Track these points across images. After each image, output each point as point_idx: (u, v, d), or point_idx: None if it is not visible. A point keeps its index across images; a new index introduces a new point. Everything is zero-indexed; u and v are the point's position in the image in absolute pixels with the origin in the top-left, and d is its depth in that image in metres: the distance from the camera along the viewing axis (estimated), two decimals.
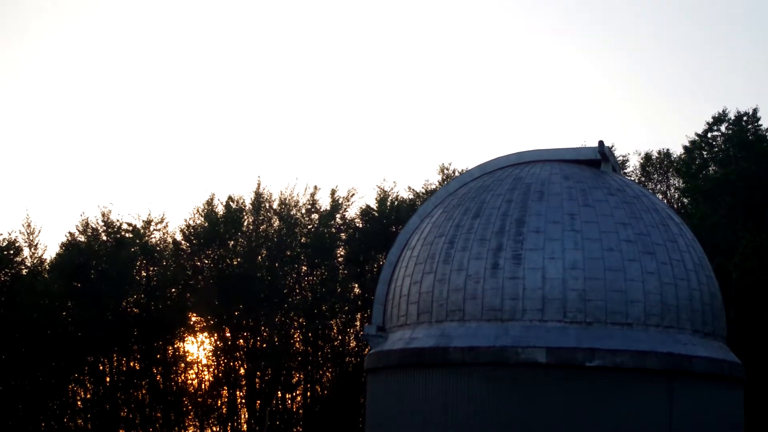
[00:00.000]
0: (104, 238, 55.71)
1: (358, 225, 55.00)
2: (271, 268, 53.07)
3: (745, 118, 48.40)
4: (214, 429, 54.39)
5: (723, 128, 49.16)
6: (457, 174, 51.93)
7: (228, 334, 53.43)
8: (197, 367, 55.36)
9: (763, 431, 40.32)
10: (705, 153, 49.72)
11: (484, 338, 25.34)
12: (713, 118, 49.34)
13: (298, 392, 54.80)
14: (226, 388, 54.44)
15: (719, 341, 27.33)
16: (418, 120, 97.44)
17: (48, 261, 56.63)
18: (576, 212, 26.61)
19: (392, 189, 55.58)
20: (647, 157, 53.96)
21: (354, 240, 54.02)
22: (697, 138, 49.86)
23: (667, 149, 53.68)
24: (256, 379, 53.44)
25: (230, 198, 55.32)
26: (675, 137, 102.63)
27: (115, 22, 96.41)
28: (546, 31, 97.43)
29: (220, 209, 55.27)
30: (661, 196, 50.99)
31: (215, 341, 53.83)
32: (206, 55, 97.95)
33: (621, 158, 52.19)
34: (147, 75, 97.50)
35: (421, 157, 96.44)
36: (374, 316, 29.49)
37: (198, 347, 55.23)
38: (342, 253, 54.75)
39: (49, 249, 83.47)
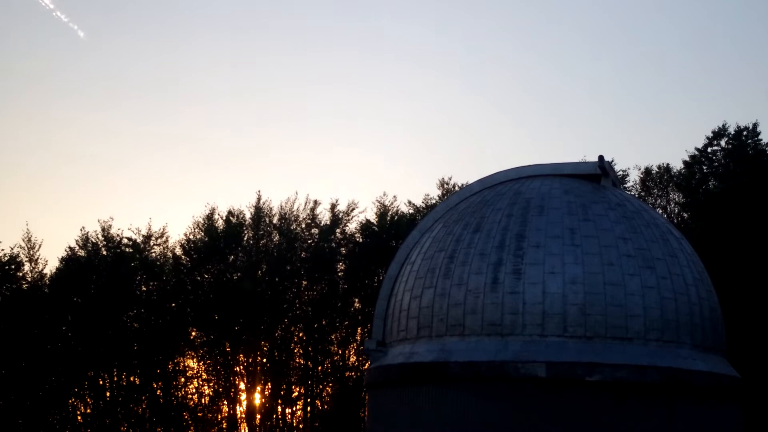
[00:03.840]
0: (104, 252, 55.76)
1: (358, 239, 55.00)
2: (271, 283, 53.07)
3: (744, 133, 48.40)
4: None
5: (723, 143, 49.18)
6: (457, 189, 51.98)
7: (228, 349, 53.39)
8: (197, 381, 55.33)
9: None
10: (705, 168, 49.72)
11: (484, 353, 25.32)
12: (713, 132, 49.36)
13: (298, 407, 54.75)
14: (225, 402, 54.40)
15: (719, 355, 27.32)
16: (418, 134, 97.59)
17: (48, 275, 56.69)
18: (576, 227, 26.63)
19: (392, 204, 55.68)
20: (647, 171, 53.99)
21: (354, 254, 54.01)
22: (697, 153, 49.86)
23: (667, 164, 53.71)
24: (256, 394, 53.41)
25: (230, 212, 55.45)
26: (675, 152, 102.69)
27: (117, 32, 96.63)
28: (546, 45, 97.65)
29: (220, 224, 55.36)
30: (661, 211, 50.98)
31: (215, 356, 53.79)
32: (206, 68, 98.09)
33: (621, 173, 52.19)
34: (147, 87, 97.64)
35: (421, 172, 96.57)
36: (374, 330, 29.49)
37: (198, 362, 55.23)
38: (342, 267, 54.74)
39: (50, 263, 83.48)
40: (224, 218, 55.39)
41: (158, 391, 54.65)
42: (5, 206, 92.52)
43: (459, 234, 27.81)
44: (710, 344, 26.78)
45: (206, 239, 54.63)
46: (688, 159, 50.31)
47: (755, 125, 48.48)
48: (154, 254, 56.29)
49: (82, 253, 55.97)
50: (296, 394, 54.29)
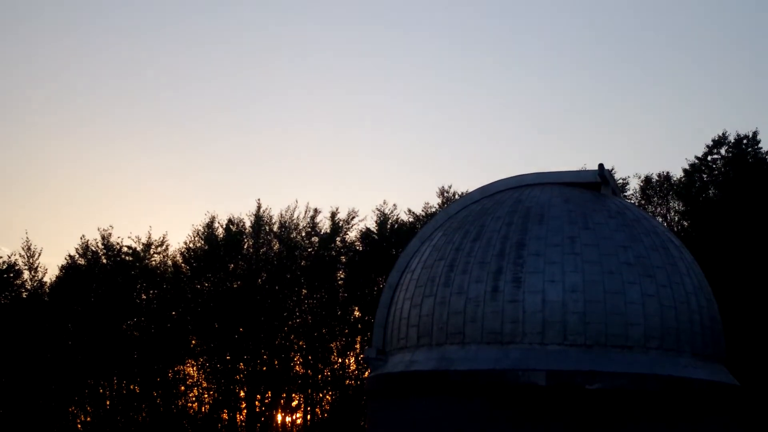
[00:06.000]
0: (104, 260, 55.76)
1: (358, 248, 55.00)
2: (271, 291, 53.05)
3: (744, 141, 48.43)
4: None
5: (723, 151, 49.19)
6: (457, 197, 52.01)
7: (228, 357, 53.35)
8: (197, 389, 55.28)
9: None
10: (705, 176, 49.74)
11: (484, 361, 25.28)
12: (713, 141, 49.39)
13: (298, 415, 54.70)
14: (225, 411, 54.33)
15: (719, 364, 27.29)
16: (418, 143, 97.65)
17: (48, 284, 56.68)
18: (576, 235, 26.59)
19: (392, 212, 55.74)
20: (647, 180, 54.00)
21: (354, 263, 54.01)
22: (696, 161, 49.88)
23: (667, 172, 53.73)
24: (256, 402, 53.34)
25: (230, 221, 55.48)
26: (675, 160, 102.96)
27: (117, 38, 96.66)
28: (546, 53, 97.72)
29: (220, 232, 55.39)
30: (661, 219, 50.99)
31: (215, 364, 53.74)
32: (207, 77, 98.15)
33: (621, 181, 52.22)
34: (147, 97, 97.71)
35: (421, 180, 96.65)
36: (374, 338, 29.46)
37: (198, 370, 55.19)
38: (342, 276, 54.74)
39: (49, 272, 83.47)
40: (224, 226, 55.45)
41: (158, 400, 54.60)
42: (4, 213, 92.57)
43: (459, 242, 27.79)
44: (710, 353, 26.75)
45: (206, 247, 54.66)
46: (688, 167, 50.34)
47: (755, 133, 48.57)
48: (154, 262, 56.32)
49: (81, 261, 55.99)
50: (296, 402, 54.28)
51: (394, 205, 56.51)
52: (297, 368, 54.28)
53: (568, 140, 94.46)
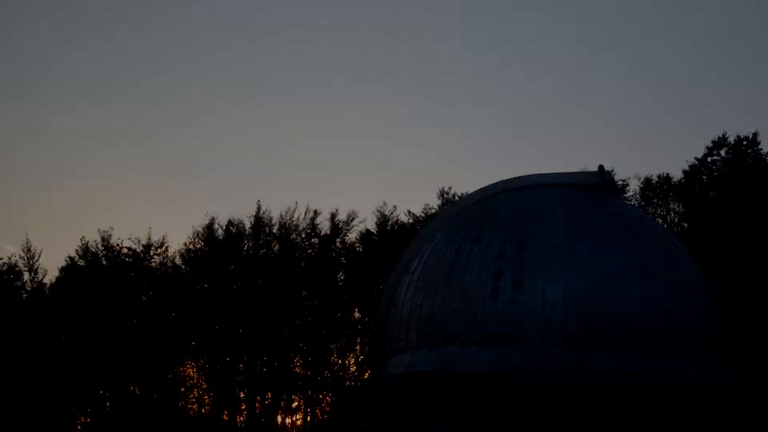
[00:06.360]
0: (104, 262, 55.71)
1: (358, 249, 54.94)
2: (271, 292, 53.00)
3: (744, 143, 48.37)
4: None
5: (723, 153, 49.13)
6: (457, 198, 51.94)
7: (228, 359, 53.30)
8: (197, 391, 55.23)
9: None
10: (705, 177, 49.67)
11: (484, 362, 25.28)
12: (713, 142, 49.30)
13: (298, 416, 54.66)
14: (225, 412, 54.28)
15: (720, 364, 27.28)
16: (418, 144, 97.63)
17: (48, 285, 56.63)
18: (576, 236, 26.58)
19: (392, 213, 55.63)
20: (647, 181, 53.90)
21: (354, 264, 53.93)
22: (696, 162, 49.83)
23: (667, 173, 53.57)
24: (256, 404, 53.29)
25: (230, 222, 55.42)
26: (675, 162, 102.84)
27: (117, 39, 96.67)
28: (546, 54, 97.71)
29: (220, 233, 55.34)
30: (660, 221, 50.93)
31: (215, 365, 53.68)
32: (207, 75, 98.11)
33: (621, 183, 52.11)
34: (147, 97, 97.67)
35: (421, 182, 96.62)
36: (374, 339, 29.43)
37: (198, 371, 55.13)
38: (342, 277, 54.67)
39: (49, 273, 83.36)
40: (224, 228, 55.39)
41: (158, 401, 54.54)
42: (4, 214, 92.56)
43: (459, 243, 27.78)
44: (711, 353, 26.74)
45: (206, 249, 54.61)
46: (687, 169, 50.29)
47: (755, 135, 48.47)
48: (153, 264, 56.27)
49: (81, 262, 55.95)
50: (296, 403, 54.22)
51: (394, 206, 56.35)
52: (297, 369, 54.22)
53: (568, 141, 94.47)
